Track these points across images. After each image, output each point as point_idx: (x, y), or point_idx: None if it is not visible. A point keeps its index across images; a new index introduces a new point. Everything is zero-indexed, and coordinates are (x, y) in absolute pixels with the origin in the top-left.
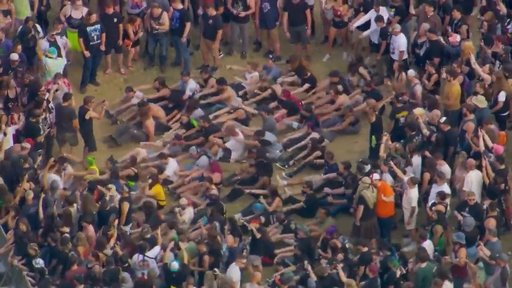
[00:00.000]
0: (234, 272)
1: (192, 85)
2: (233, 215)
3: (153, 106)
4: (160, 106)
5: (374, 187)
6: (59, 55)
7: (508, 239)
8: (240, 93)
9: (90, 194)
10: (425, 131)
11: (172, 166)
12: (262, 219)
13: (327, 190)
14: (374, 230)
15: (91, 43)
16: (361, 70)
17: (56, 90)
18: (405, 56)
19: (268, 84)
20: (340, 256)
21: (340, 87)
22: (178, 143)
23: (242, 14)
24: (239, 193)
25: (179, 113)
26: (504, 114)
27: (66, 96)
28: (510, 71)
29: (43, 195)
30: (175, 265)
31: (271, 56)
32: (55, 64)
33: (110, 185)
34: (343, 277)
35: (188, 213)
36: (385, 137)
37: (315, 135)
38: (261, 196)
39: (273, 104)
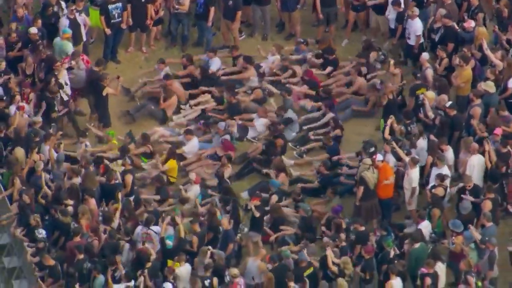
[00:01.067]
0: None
1: (217, 62)
2: (239, 194)
3: (175, 83)
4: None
5: (376, 168)
6: (76, 34)
7: (509, 224)
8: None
9: (96, 168)
10: (430, 114)
11: (193, 144)
12: (275, 197)
13: (341, 170)
14: (375, 210)
15: (112, 21)
16: (373, 54)
17: (70, 68)
18: (421, 40)
19: (289, 65)
20: (343, 235)
21: (364, 69)
22: (203, 129)
23: None
24: (247, 172)
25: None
26: None
27: (99, 62)
28: None
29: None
30: (169, 243)
31: (302, 40)
32: (60, 44)
33: (119, 161)
34: (331, 260)
35: (194, 191)
36: (390, 120)
37: (331, 115)
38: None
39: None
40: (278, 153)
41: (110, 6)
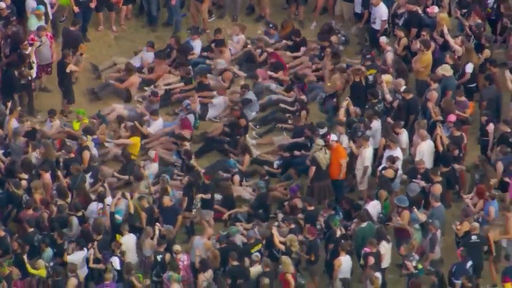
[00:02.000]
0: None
1: (198, 43)
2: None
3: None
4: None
5: (329, 148)
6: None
7: (461, 207)
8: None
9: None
10: (388, 97)
11: (158, 124)
12: (237, 177)
13: (297, 153)
14: (327, 191)
15: (80, 0)
16: (333, 37)
17: (39, 46)
18: (386, 25)
19: (264, 46)
20: (299, 215)
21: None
22: (155, 100)
23: None
24: (207, 150)
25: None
26: (472, 86)
27: (75, 22)
28: (489, 40)
29: None
30: (118, 218)
31: (271, 25)
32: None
33: (84, 137)
34: (277, 239)
35: (153, 168)
36: (346, 102)
37: (304, 98)
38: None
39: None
40: (242, 133)
41: None
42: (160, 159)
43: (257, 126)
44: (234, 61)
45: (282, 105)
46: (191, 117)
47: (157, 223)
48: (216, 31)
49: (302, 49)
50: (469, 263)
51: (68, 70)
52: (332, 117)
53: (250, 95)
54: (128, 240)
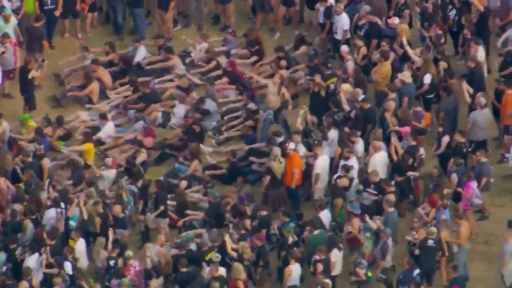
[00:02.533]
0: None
1: (142, 51)
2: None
3: (101, 69)
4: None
5: (285, 156)
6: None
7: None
8: (187, 61)
9: (9, 149)
10: (346, 107)
11: (108, 129)
12: (184, 183)
13: (252, 159)
14: (281, 199)
15: (45, 7)
16: (303, 48)
17: (3, 53)
18: (348, 35)
19: (213, 56)
20: (248, 222)
21: (283, 62)
22: (123, 113)
23: None
24: (166, 157)
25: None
26: (430, 96)
27: (38, 17)
28: (441, 54)
29: None
30: (72, 224)
31: (230, 30)
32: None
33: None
34: (229, 246)
35: (110, 174)
36: (302, 110)
37: (251, 105)
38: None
39: (216, 73)
40: (195, 140)
41: None
42: (117, 166)
43: (216, 135)
44: (194, 68)
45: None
46: (139, 125)
47: (110, 229)
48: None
49: (253, 58)
50: (417, 271)
51: (30, 76)
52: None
53: (210, 105)
54: (79, 246)
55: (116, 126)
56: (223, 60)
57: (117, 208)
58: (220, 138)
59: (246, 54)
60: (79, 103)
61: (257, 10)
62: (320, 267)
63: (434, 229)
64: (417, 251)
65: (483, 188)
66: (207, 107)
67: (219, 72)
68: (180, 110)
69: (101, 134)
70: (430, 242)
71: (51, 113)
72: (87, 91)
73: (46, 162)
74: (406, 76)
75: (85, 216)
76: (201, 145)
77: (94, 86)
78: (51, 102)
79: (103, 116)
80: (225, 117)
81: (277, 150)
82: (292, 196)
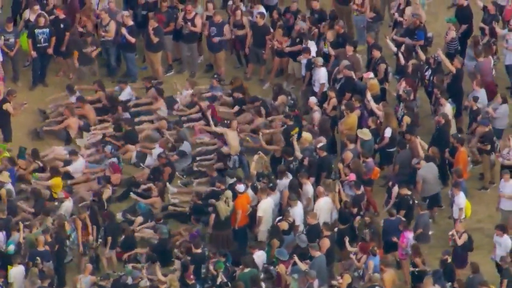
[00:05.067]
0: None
1: (127, 91)
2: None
3: (87, 106)
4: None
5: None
6: None
7: None
8: (175, 107)
9: None
10: (298, 154)
11: (78, 164)
12: (140, 218)
13: (212, 201)
14: (226, 240)
15: (38, 45)
16: (281, 98)
17: None
18: (325, 88)
19: (198, 100)
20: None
21: (262, 110)
22: (100, 149)
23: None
24: (127, 195)
25: (109, 116)
26: (391, 150)
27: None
28: (409, 109)
29: None
30: (11, 248)
31: (215, 76)
32: None
33: (4, 173)
34: (160, 278)
35: (65, 206)
36: (257, 156)
37: (224, 149)
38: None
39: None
40: (162, 180)
41: (37, 31)
42: (81, 199)
43: (184, 176)
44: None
45: (198, 158)
46: (114, 161)
47: (38, 258)
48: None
49: (236, 108)
50: None
51: (4, 108)
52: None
53: (185, 146)
54: (16, 272)
55: (91, 163)
56: (205, 104)
57: (40, 240)
58: (186, 179)
59: (230, 102)
60: (58, 138)
61: (250, 60)
62: None
63: (377, 275)
64: None
65: (421, 240)
66: (184, 148)
67: (199, 115)
68: (158, 151)
69: (70, 169)
70: None
71: (29, 146)
72: (63, 125)
73: (3, 191)
74: (364, 133)
75: (21, 240)
76: (168, 184)
77: (72, 121)
78: (30, 135)
79: (73, 152)
80: (197, 158)
81: (228, 193)
82: (239, 237)
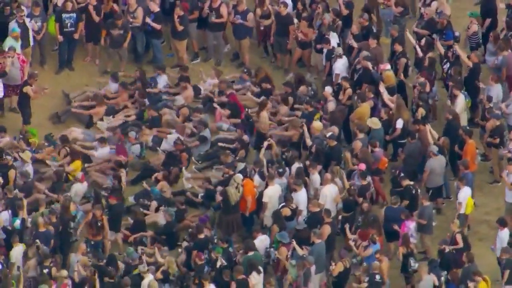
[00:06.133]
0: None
1: (164, 78)
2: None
3: (126, 94)
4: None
5: (242, 186)
6: (24, 37)
7: None
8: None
9: None
10: (308, 141)
11: (105, 151)
12: (155, 203)
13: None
14: (235, 224)
15: (64, 30)
16: (302, 88)
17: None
18: (339, 79)
19: (225, 86)
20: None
21: (290, 99)
22: (118, 136)
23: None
24: (142, 177)
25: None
26: (402, 141)
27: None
28: (424, 100)
29: None
30: (17, 224)
31: (245, 70)
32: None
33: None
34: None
35: (76, 188)
36: (267, 142)
37: (245, 138)
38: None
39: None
40: (177, 165)
41: (64, 15)
42: (94, 182)
43: (199, 162)
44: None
45: (220, 143)
46: (137, 148)
47: (37, 240)
48: (183, 68)
49: (262, 98)
50: None
51: (24, 90)
52: None
53: (207, 133)
54: (16, 251)
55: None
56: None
57: (40, 222)
58: (202, 165)
59: (255, 91)
60: (79, 122)
61: (275, 50)
62: (233, 285)
63: (377, 263)
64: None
65: (424, 230)
66: (205, 134)
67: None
68: (174, 137)
69: (96, 153)
70: (378, 277)
71: (50, 129)
72: (93, 111)
73: (12, 173)
74: (374, 122)
75: (27, 223)
76: (183, 170)
77: (101, 109)
78: (52, 119)
79: (102, 140)
80: (219, 144)
81: (238, 178)
82: (247, 223)
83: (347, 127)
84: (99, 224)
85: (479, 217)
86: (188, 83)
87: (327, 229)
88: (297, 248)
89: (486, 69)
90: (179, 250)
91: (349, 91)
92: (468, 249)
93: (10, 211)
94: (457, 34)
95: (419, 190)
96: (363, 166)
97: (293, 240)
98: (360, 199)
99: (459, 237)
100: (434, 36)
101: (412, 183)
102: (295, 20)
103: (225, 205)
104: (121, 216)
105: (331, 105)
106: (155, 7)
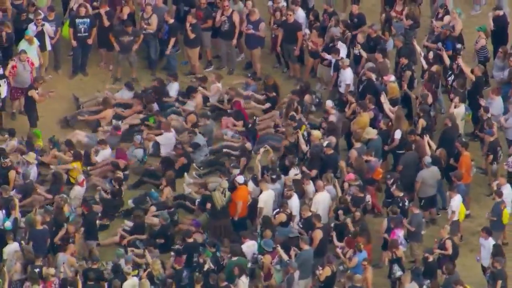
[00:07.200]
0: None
1: (175, 86)
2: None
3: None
4: None
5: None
6: (41, 42)
7: None
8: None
9: None
10: (304, 147)
11: (106, 154)
12: (154, 208)
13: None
14: (224, 229)
15: (78, 35)
16: (307, 97)
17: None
18: (351, 89)
19: (235, 94)
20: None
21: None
22: (116, 133)
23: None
24: (142, 183)
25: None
26: (400, 152)
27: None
28: (425, 112)
29: None
30: (7, 224)
31: (249, 74)
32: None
33: (30, 153)
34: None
35: (76, 191)
36: (263, 149)
37: (248, 145)
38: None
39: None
40: (172, 169)
41: (78, 20)
42: (93, 185)
43: (201, 168)
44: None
45: (225, 150)
46: (139, 152)
47: (22, 241)
48: (202, 79)
49: (267, 104)
50: None
51: (29, 94)
52: None
53: (199, 139)
54: (10, 248)
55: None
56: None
57: (37, 220)
58: (203, 171)
59: (259, 98)
60: (88, 127)
61: (285, 58)
62: None
63: (359, 276)
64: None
65: (412, 238)
66: (197, 140)
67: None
68: (165, 138)
69: (97, 158)
70: None
71: (59, 133)
72: (99, 116)
73: (12, 174)
74: (369, 133)
75: (19, 221)
76: (185, 174)
77: (108, 113)
78: (60, 123)
79: (102, 142)
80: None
81: (224, 184)
82: (238, 227)
83: (350, 137)
84: (70, 240)
85: (473, 228)
86: (194, 92)
87: (318, 234)
88: (282, 254)
89: (494, 83)
90: (171, 253)
91: (354, 105)
92: (456, 257)
93: (4, 211)
94: (458, 46)
95: (407, 203)
96: (351, 176)
97: (277, 245)
98: (354, 209)
99: (449, 243)
100: (439, 45)
101: (401, 194)
102: (307, 31)
103: (212, 209)
104: (95, 224)
105: (332, 118)
106: (169, 19)
